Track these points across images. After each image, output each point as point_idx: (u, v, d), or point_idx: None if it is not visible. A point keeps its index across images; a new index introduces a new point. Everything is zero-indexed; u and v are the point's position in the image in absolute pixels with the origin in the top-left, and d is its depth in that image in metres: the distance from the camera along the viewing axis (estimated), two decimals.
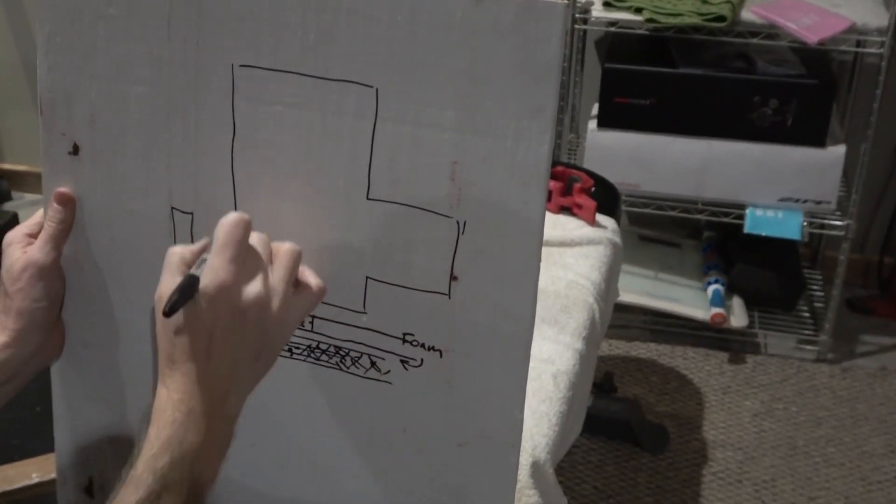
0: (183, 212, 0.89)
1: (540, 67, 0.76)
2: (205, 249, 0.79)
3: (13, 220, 2.91)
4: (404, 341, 0.86)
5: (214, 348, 0.76)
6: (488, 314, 0.83)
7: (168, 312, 0.74)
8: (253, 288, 0.77)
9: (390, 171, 0.82)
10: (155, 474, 0.74)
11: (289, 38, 0.81)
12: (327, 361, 0.90)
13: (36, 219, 0.93)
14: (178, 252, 0.79)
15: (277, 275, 0.79)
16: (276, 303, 0.78)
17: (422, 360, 0.87)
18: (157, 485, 0.74)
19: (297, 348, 0.90)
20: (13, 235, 0.92)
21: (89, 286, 0.94)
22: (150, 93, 0.86)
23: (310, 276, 0.82)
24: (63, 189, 0.91)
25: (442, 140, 0.79)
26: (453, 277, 0.83)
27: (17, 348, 0.90)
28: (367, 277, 0.85)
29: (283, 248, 0.81)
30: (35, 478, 1.29)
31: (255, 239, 0.79)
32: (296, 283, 0.81)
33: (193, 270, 0.76)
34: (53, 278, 0.91)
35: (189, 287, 0.75)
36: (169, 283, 0.77)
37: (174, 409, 0.75)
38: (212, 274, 0.75)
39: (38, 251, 0.90)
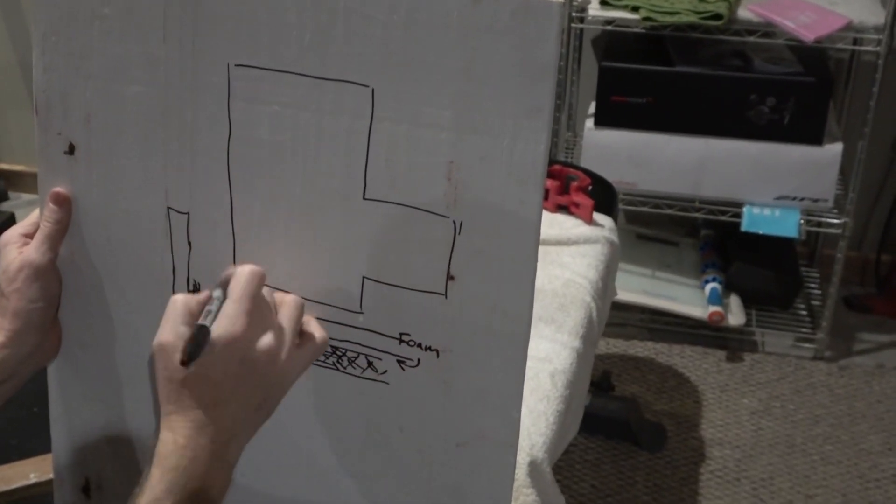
0: (179, 211, 0.89)
1: (537, 67, 0.75)
2: (208, 298, 0.79)
3: (10, 220, 2.90)
4: (401, 341, 0.86)
5: (221, 397, 0.77)
6: (485, 314, 0.83)
7: (187, 361, 0.74)
8: (264, 340, 0.78)
9: (387, 170, 0.82)
10: None
11: (285, 38, 0.81)
12: (324, 362, 0.90)
13: (32, 219, 0.93)
14: (182, 301, 0.79)
15: (285, 325, 0.80)
16: (282, 352, 0.79)
17: (419, 360, 0.87)
18: None
19: None
20: (9, 236, 0.92)
21: (86, 286, 0.94)
22: (145, 92, 0.86)
23: (314, 327, 0.84)
24: (59, 189, 0.91)
25: (438, 140, 0.79)
26: (450, 277, 0.83)
27: (13, 349, 0.90)
28: (363, 277, 0.85)
29: (288, 300, 0.82)
30: (33, 478, 1.29)
31: (265, 291, 0.80)
32: (300, 334, 0.83)
33: (202, 321, 0.76)
34: (49, 279, 0.91)
35: (203, 337, 0.75)
36: (169, 331, 0.77)
37: (179, 455, 0.76)
38: (227, 324, 0.76)
39: (34, 251, 0.90)
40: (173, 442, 0.76)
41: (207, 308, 0.78)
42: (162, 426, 0.77)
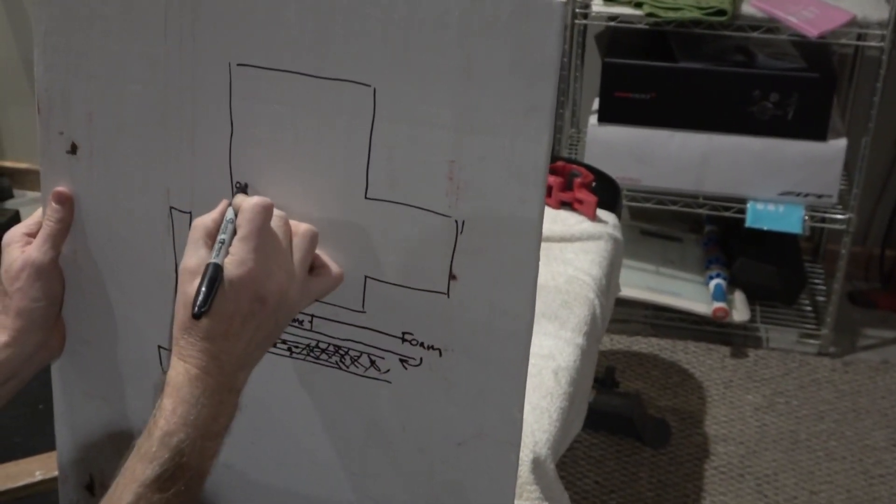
0: (181, 211, 0.89)
1: (538, 66, 0.75)
2: (224, 215, 0.80)
3: (14, 218, 2.91)
4: (403, 340, 0.86)
5: (232, 330, 0.78)
6: (487, 313, 0.83)
7: (198, 314, 0.76)
8: (275, 276, 0.79)
9: (388, 170, 0.82)
10: (171, 451, 0.76)
11: (286, 37, 0.81)
12: (327, 360, 0.90)
13: (35, 218, 0.93)
14: (202, 224, 0.80)
15: (296, 258, 0.81)
16: (293, 286, 0.80)
17: (421, 359, 0.87)
18: (172, 462, 0.76)
19: (297, 347, 0.90)
20: (12, 235, 0.92)
21: (88, 285, 0.94)
22: (146, 92, 0.86)
23: (328, 260, 0.84)
24: (61, 188, 0.91)
25: (440, 139, 0.79)
26: (452, 276, 0.83)
27: (17, 347, 0.90)
28: (365, 276, 0.85)
29: (301, 230, 0.82)
30: (38, 475, 1.29)
31: (274, 220, 0.81)
32: (311, 265, 0.83)
33: (214, 258, 0.77)
34: (52, 277, 0.91)
35: (214, 279, 0.76)
36: (192, 255, 0.78)
37: (191, 386, 0.77)
38: (237, 263, 0.77)
39: (36, 250, 0.90)
40: (185, 372, 0.77)
41: (220, 237, 0.79)
42: (174, 352, 0.79)
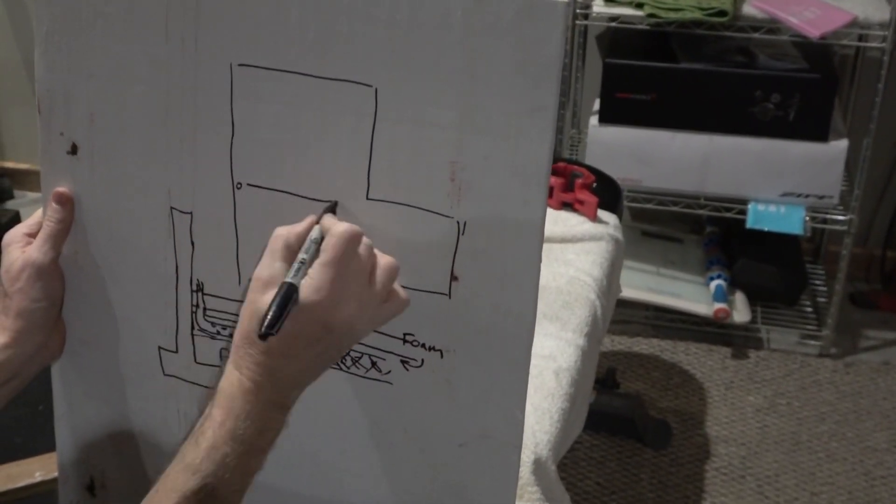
0: (182, 211, 0.89)
1: (540, 67, 0.75)
2: (308, 232, 0.79)
3: (15, 219, 2.91)
4: (405, 341, 0.86)
5: (293, 352, 0.77)
6: (489, 314, 0.83)
7: (264, 335, 0.74)
8: (348, 307, 0.77)
9: (390, 170, 0.81)
10: (215, 465, 0.76)
11: (287, 38, 0.81)
12: None
13: (35, 218, 0.93)
14: (284, 236, 0.78)
15: (375, 290, 0.79)
16: (363, 319, 0.79)
17: (422, 360, 0.86)
18: (215, 476, 0.76)
19: None
20: (12, 235, 0.92)
21: (88, 285, 0.94)
22: (148, 92, 0.86)
23: (397, 286, 0.82)
24: (62, 189, 0.91)
25: (442, 139, 0.79)
26: (454, 278, 0.83)
27: (17, 348, 0.90)
28: None
29: (385, 263, 0.80)
30: (38, 476, 1.29)
31: (361, 248, 0.78)
32: None
33: (291, 276, 0.76)
34: (52, 278, 0.91)
35: (287, 299, 0.75)
36: (267, 266, 0.77)
37: (244, 401, 0.77)
38: (313, 289, 0.75)
39: (36, 251, 0.90)
40: (239, 385, 0.77)
41: (301, 257, 0.77)
42: (231, 360, 0.78)
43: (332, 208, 0.83)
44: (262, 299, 0.76)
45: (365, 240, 0.79)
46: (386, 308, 0.81)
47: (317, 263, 0.76)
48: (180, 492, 0.75)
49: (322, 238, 0.78)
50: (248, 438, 0.77)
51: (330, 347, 0.79)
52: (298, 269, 0.76)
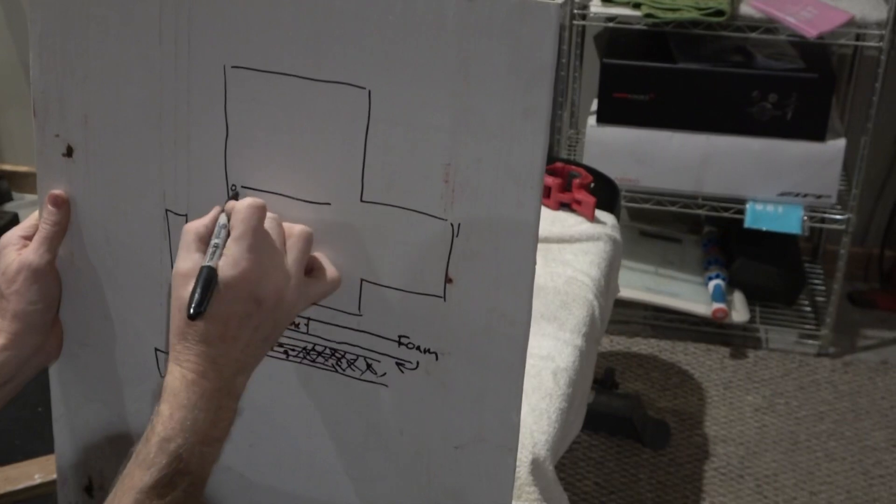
0: (177, 213, 0.89)
1: (533, 68, 0.75)
2: (216, 221, 0.80)
3: (13, 221, 2.91)
4: (399, 344, 0.86)
5: (229, 333, 0.77)
6: (484, 317, 0.83)
7: (194, 315, 0.75)
8: (270, 277, 0.78)
9: (384, 173, 0.81)
10: (169, 456, 0.76)
11: (280, 40, 0.80)
12: (323, 364, 0.90)
13: (31, 221, 0.93)
14: (193, 229, 0.80)
15: (291, 258, 0.81)
16: (289, 288, 0.80)
17: (417, 362, 0.86)
18: (170, 468, 0.75)
19: (293, 350, 0.90)
20: (8, 237, 0.92)
21: (85, 287, 0.94)
22: (142, 94, 0.86)
23: (325, 263, 0.84)
24: (57, 191, 0.91)
25: (435, 142, 0.79)
26: (448, 280, 0.83)
27: (14, 350, 0.90)
28: (361, 280, 0.85)
29: (296, 231, 0.82)
30: (37, 478, 1.29)
31: (268, 222, 0.80)
32: (308, 267, 0.83)
33: (207, 261, 0.77)
34: (48, 280, 0.91)
35: (209, 281, 0.76)
36: (184, 258, 0.78)
37: (188, 392, 0.77)
38: (231, 264, 0.77)
39: (32, 253, 0.90)
40: (182, 377, 0.77)
41: (214, 241, 0.78)
42: (170, 358, 0.78)
43: (235, 194, 0.84)
44: (186, 290, 0.77)
45: (270, 213, 0.81)
46: (315, 283, 0.83)
47: (229, 240, 0.78)
48: (137, 488, 0.75)
49: (226, 222, 0.79)
50: (200, 429, 0.77)
51: (264, 323, 0.79)
52: (213, 253, 0.77)
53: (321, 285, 0.84)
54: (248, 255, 0.77)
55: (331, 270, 0.84)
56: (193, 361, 0.77)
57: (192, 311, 0.75)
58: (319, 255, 0.85)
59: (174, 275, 0.79)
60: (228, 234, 0.79)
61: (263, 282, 0.78)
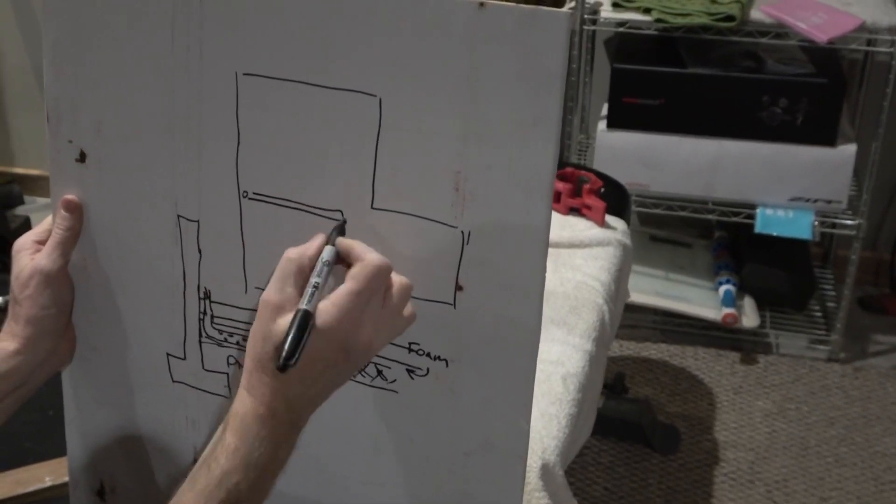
0: (189, 219, 0.89)
1: (544, 76, 0.75)
2: (319, 253, 0.78)
3: (25, 224, 2.92)
4: (410, 350, 0.86)
5: (308, 376, 0.76)
6: (494, 324, 0.83)
7: (284, 367, 0.72)
8: (365, 331, 0.77)
9: (394, 180, 0.81)
10: (228, 492, 0.75)
11: (292, 47, 0.81)
12: None
13: (45, 225, 0.93)
14: (296, 260, 0.77)
15: (388, 311, 0.79)
16: (378, 339, 0.78)
17: (427, 369, 0.87)
18: (227, 502, 0.75)
19: None
20: (22, 242, 0.92)
21: (97, 292, 0.95)
22: (154, 101, 0.87)
23: (407, 305, 0.82)
24: (70, 196, 0.92)
25: (445, 149, 0.79)
26: (458, 287, 0.83)
27: (27, 355, 0.91)
28: None
29: (399, 284, 0.79)
30: (48, 481, 1.29)
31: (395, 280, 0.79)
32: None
33: (306, 303, 0.74)
34: (61, 285, 0.92)
35: (304, 327, 0.73)
36: (277, 290, 0.76)
37: (258, 427, 0.76)
38: (335, 315, 0.75)
39: (45, 258, 0.90)
40: (254, 409, 0.76)
41: (314, 280, 0.76)
42: (243, 382, 0.77)
43: (342, 227, 0.82)
44: (276, 325, 0.75)
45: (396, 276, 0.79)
46: (396, 326, 0.81)
47: (343, 290, 0.75)
48: None
49: (333, 260, 0.77)
50: (262, 463, 0.76)
51: (346, 370, 0.78)
52: (312, 294, 0.75)
53: (402, 325, 0.81)
54: (357, 313, 0.75)
55: (409, 310, 0.81)
56: (268, 395, 0.76)
57: (282, 362, 0.72)
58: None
59: (263, 300, 0.76)
60: (328, 275, 0.76)
61: (357, 335, 0.76)
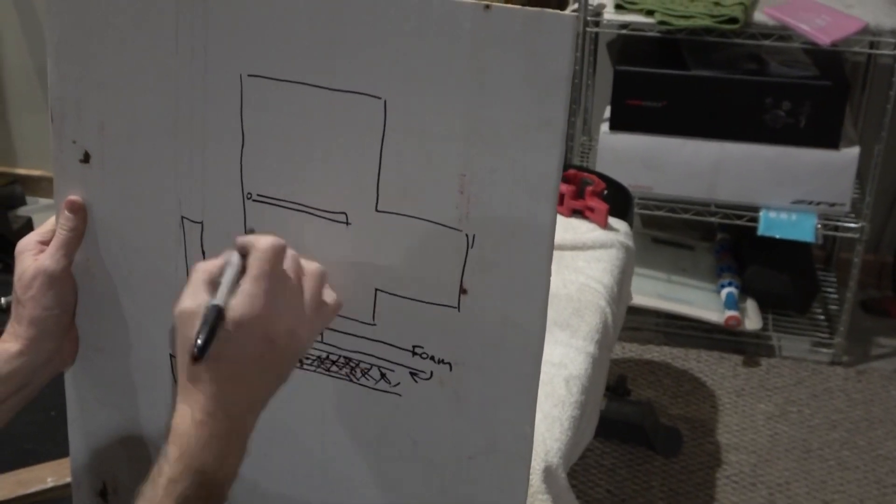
0: (192, 221, 0.89)
1: (549, 79, 0.75)
2: (228, 260, 0.78)
3: (28, 225, 2.92)
4: (414, 353, 0.86)
5: (238, 374, 0.76)
6: (498, 327, 0.83)
7: (198, 357, 0.73)
8: (284, 317, 0.76)
9: (399, 183, 0.81)
10: (175, 499, 0.74)
11: (297, 49, 0.81)
12: (337, 372, 0.90)
13: (48, 226, 0.93)
14: (205, 269, 0.77)
15: (307, 297, 0.79)
16: (302, 326, 0.78)
17: (431, 372, 0.86)
18: None
19: (308, 359, 0.90)
20: (26, 243, 0.92)
21: (101, 293, 0.95)
22: (158, 102, 0.87)
23: (327, 293, 0.82)
24: (74, 197, 0.92)
25: (450, 152, 0.79)
26: (463, 290, 0.83)
27: (30, 356, 0.90)
28: (376, 289, 0.85)
29: (311, 270, 0.80)
30: (50, 482, 1.29)
31: (287, 261, 0.78)
32: None
33: (217, 300, 0.74)
34: (64, 286, 0.92)
35: (216, 321, 0.73)
36: (190, 299, 0.75)
37: (197, 432, 0.75)
38: (246, 304, 0.74)
39: (48, 259, 0.90)
40: (191, 418, 0.75)
41: (223, 279, 0.76)
42: (179, 397, 0.76)
43: (251, 233, 0.81)
44: (192, 329, 0.74)
45: (290, 251, 0.79)
46: (321, 314, 0.81)
47: (246, 279, 0.75)
48: None
49: (236, 260, 0.77)
50: (208, 470, 0.75)
51: (274, 363, 0.77)
52: (221, 292, 0.75)
53: (327, 314, 0.82)
54: (264, 297, 0.75)
55: (332, 297, 0.82)
56: (202, 402, 0.75)
57: (195, 352, 0.73)
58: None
59: (178, 313, 0.75)
60: (241, 271, 0.76)
61: (277, 322, 0.76)
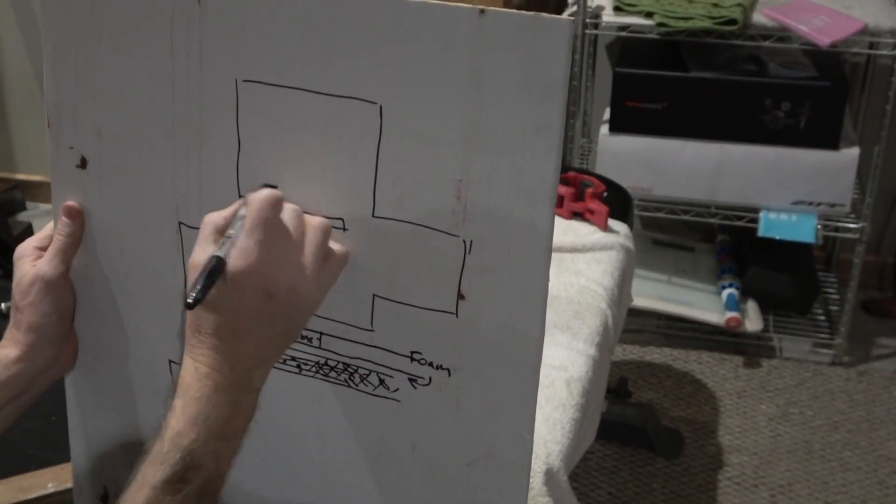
0: (190, 227, 0.89)
1: (546, 83, 0.74)
2: (237, 213, 0.78)
3: (27, 230, 2.92)
4: (412, 359, 0.86)
5: (241, 327, 0.76)
6: (496, 333, 0.82)
7: (192, 304, 0.73)
8: (283, 270, 0.76)
9: (395, 188, 0.81)
10: (181, 451, 0.74)
11: (292, 54, 0.80)
12: (336, 378, 0.90)
13: (46, 231, 0.93)
14: (212, 221, 0.78)
15: (308, 251, 0.78)
16: (305, 281, 0.78)
17: (430, 378, 0.86)
18: (183, 463, 0.74)
19: (306, 364, 0.90)
20: (23, 248, 0.92)
21: (99, 298, 0.95)
22: (154, 107, 0.86)
23: (332, 244, 0.81)
24: (71, 202, 0.92)
25: (447, 157, 0.78)
26: (460, 296, 0.82)
27: (28, 362, 0.90)
28: (374, 295, 0.85)
29: (314, 223, 0.80)
30: (51, 487, 1.29)
31: (287, 213, 0.78)
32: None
33: (217, 251, 0.75)
34: (62, 292, 0.92)
35: (214, 271, 0.74)
36: (200, 251, 0.76)
37: (201, 384, 0.75)
38: (241, 257, 0.75)
39: (46, 265, 0.90)
40: (195, 370, 0.75)
41: (229, 232, 0.76)
42: (185, 351, 0.77)
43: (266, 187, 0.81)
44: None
45: (290, 205, 0.79)
46: (327, 268, 0.80)
47: (240, 231, 0.76)
48: (150, 484, 0.74)
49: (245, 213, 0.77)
50: (214, 423, 0.75)
51: (278, 317, 0.77)
52: (223, 244, 0.76)
53: (333, 268, 0.81)
54: (258, 248, 0.75)
55: (338, 248, 0.81)
56: (206, 355, 0.76)
57: (189, 299, 0.73)
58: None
59: (189, 265, 0.77)
60: (242, 224, 0.76)
61: (274, 275, 0.76)
